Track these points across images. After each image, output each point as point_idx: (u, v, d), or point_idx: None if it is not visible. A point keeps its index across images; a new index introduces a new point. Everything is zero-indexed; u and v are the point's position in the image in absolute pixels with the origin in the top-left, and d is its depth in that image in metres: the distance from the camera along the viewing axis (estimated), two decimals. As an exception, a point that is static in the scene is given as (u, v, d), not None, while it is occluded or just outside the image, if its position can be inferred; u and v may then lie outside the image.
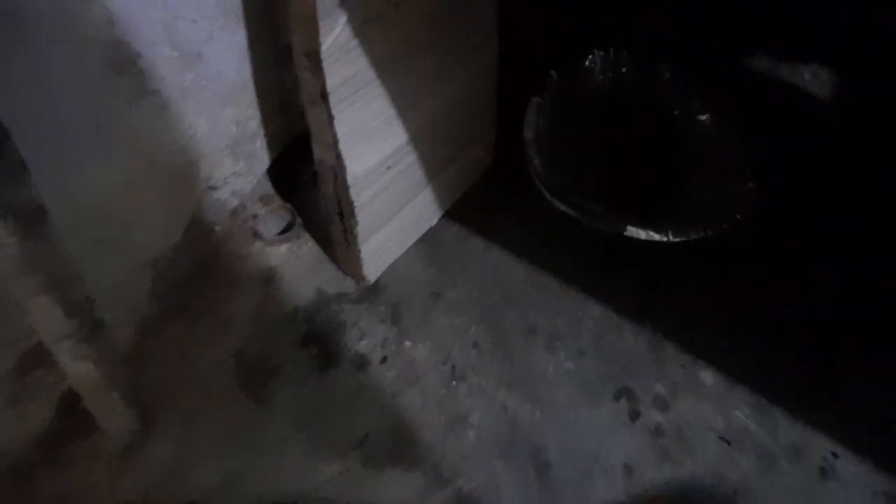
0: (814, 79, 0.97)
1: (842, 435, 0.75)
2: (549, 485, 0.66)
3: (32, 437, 0.63)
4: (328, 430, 0.71)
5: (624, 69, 0.95)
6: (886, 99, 0.93)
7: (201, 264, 0.77)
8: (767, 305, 0.80)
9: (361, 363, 0.75)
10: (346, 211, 0.70)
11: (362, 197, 0.69)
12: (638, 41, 0.94)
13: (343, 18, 0.55)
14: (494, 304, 0.80)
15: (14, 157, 0.40)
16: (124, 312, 0.67)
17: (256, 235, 0.80)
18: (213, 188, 0.73)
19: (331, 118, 0.61)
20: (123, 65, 0.53)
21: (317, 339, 0.76)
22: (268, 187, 0.82)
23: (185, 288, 0.75)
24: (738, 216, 0.83)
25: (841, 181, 0.90)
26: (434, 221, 0.84)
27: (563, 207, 0.82)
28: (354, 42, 0.58)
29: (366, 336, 0.76)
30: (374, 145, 0.67)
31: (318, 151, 0.66)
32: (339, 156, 0.64)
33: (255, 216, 0.80)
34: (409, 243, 0.82)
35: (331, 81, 0.58)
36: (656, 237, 0.81)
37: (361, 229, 0.72)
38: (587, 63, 0.93)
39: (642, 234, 0.82)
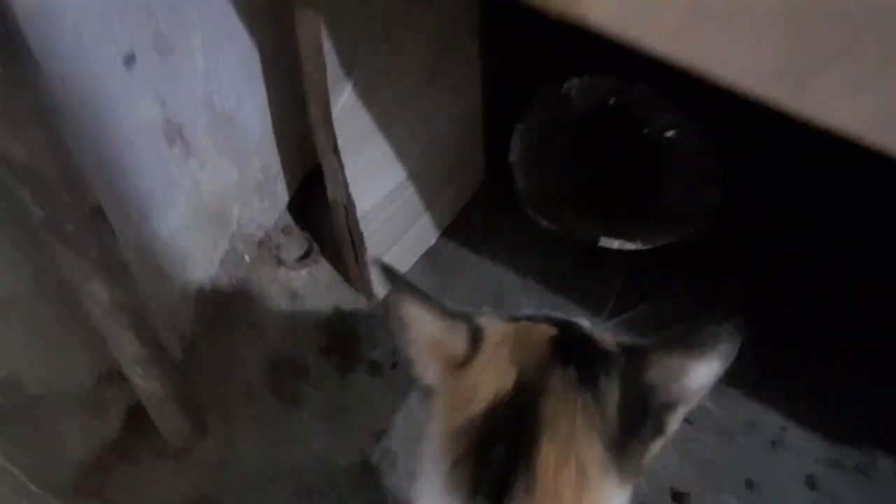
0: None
1: (790, 411, 0.87)
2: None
3: (107, 441, 0.75)
4: (349, 426, 0.83)
5: (599, 92, 1.06)
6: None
7: (235, 288, 0.89)
8: (725, 301, 0.92)
9: (375, 368, 0.87)
10: (356, 240, 0.82)
11: (370, 227, 0.81)
12: (613, 65, 1.04)
13: (349, 87, 0.68)
14: (491, 306, 0.92)
15: (107, 227, 0.52)
16: (173, 332, 0.80)
17: (280, 262, 0.92)
18: (244, 224, 0.86)
19: (342, 166, 0.73)
20: (174, 136, 0.66)
21: (336, 348, 0.88)
22: (287, 219, 0.94)
23: (222, 308, 0.88)
24: (702, 222, 0.96)
25: (800, 189, 1.01)
26: (433, 241, 0.96)
27: (540, 220, 0.94)
28: (358, 104, 0.70)
29: (378, 345, 0.89)
30: (379, 184, 0.79)
31: (332, 192, 0.78)
32: (349, 196, 0.76)
33: (278, 245, 0.92)
34: (412, 262, 0.94)
35: (340, 138, 0.70)
36: (627, 245, 0.94)
37: (370, 253, 0.85)
38: (564, 89, 1.05)
39: (615, 244, 0.93)
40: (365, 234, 0.81)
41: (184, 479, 0.77)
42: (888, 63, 0.38)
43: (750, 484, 0.81)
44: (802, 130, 0.41)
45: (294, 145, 0.86)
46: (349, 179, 0.74)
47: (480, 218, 1.00)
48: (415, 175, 0.84)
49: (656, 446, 0.41)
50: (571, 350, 0.40)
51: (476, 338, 0.41)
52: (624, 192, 1.02)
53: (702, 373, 0.39)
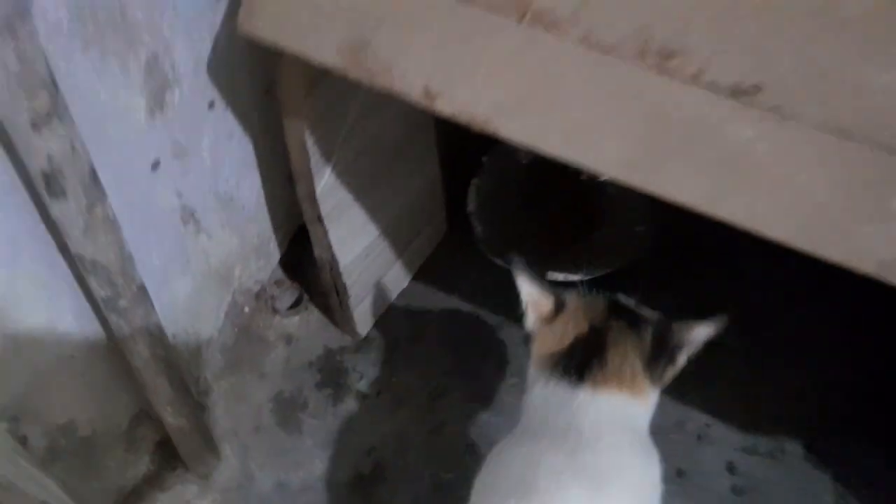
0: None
1: (712, 411, 1.03)
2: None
3: (140, 472, 0.90)
4: (344, 447, 0.98)
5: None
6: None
7: (239, 336, 1.05)
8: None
9: (363, 397, 1.02)
10: (340, 289, 0.98)
11: (351, 278, 0.97)
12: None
13: (328, 171, 0.84)
14: (458, 339, 1.08)
15: (149, 300, 0.67)
16: (191, 377, 0.95)
17: (275, 310, 1.08)
18: (243, 281, 1.01)
19: (325, 231, 0.89)
20: (188, 218, 0.82)
21: (328, 382, 1.03)
22: (280, 274, 1.10)
23: (229, 354, 1.03)
24: (633, 254, 1.13)
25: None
26: (406, 284, 1.12)
27: (500, 262, 1.11)
28: (337, 183, 0.86)
29: (364, 376, 1.04)
30: (356, 243, 0.96)
31: (318, 252, 0.94)
32: (333, 255, 0.92)
33: (272, 296, 1.08)
34: (388, 303, 1.10)
35: (323, 210, 0.86)
36: (571, 277, 1.10)
37: (352, 300, 1.00)
38: (511, 148, 1.22)
39: (560, 277, 1.10)
40: (347, 284, 0.97)
41: (207, 501, 0.91)
42: (708, 160, 0.56)
43: (680, 472, 0.97)
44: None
45: (283, 213, 1.03)
46: (332, 242, 0.90)
47: (445, 262, 1.16)
48: (387, 233, 1.00)
49: (672, 371, 0.68)
50: (621, 311, 0.67)
51: (560, 303, 0.66)
52: (567, 232, 1.19)
53: (700, 331, 0.66)
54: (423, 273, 1.15)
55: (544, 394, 0.64)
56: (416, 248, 1.11)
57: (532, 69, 0.59)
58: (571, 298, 0.68)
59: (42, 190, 0.52)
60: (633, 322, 0.66)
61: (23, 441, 0.70)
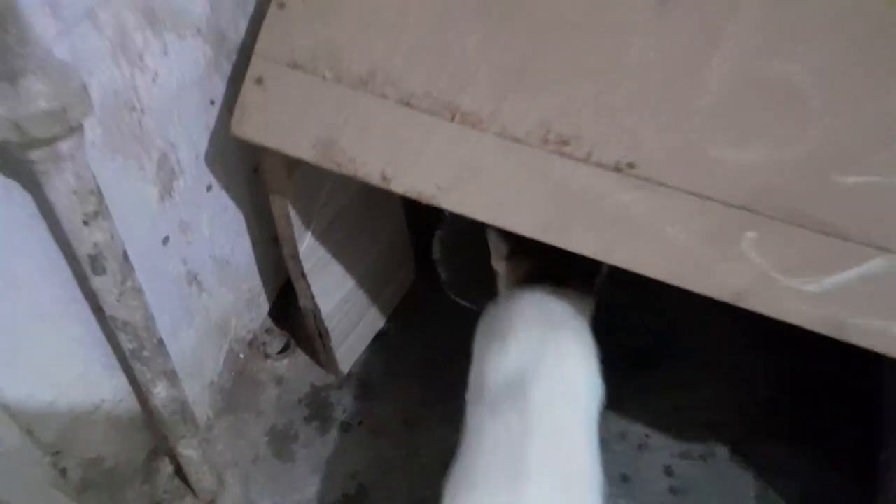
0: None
1: (650, 422, 1.18)
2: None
3: (155, 500, 1.04)
4: (332, 472, 1.12)
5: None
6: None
7: (235, 379, 1.19)
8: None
9: (347, 427, 1.17)
10: (323, 333, 1.13)
11: (333, 323, 1.13)
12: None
13: (308, 236, 1.00)
14: (429, 372, 1.23)
15: (166, 350, 0.83)
16: (197, 416, 1.09)
17: (266, 356, 1.23)
18: (238, 331, 1.17)
19: (308, 286, 1.05)
20: (191, 280, 0.97)
21: (316, 415, 1.18)
22: (269, 323, 1.25)
23: (227, 395, 1.17)
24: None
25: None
26: (381, 325, 1.28)
27: (462, 301, 1.27)
28: (316, 244, 1.03)
29: (347, 409, 1.19)
30: (336, 293, 1.12)
31: (303, 302, 1.10)
32: (315, 304, 1.08)
33: (264, 343, 1.23)
34: (366, 343, 1.25)
35: (306, 267, 1.02)
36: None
37: (334, 342, 1.15)
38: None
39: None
40: (329, 329, 1.12)
41: (214, 525, 1.05)
42: (600, 221, 0.72)
43: (624, 477, 1.12)
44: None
45: (270, 271, 1.19)
46: (315, 294, 1.06)
47: (415, 304, 1.32)
48: (362, 283, 1.17)
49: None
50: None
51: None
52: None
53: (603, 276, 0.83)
54: (396, 315, 1.30)
55: None
56: (388, 295, 1.27)
57: (462, 156, 0.76)
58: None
59: (87, 269, 0.68)
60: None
61: (63, 473, 0.84)
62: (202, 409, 1.09)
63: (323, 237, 1.03)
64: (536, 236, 0.76)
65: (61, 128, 0.56)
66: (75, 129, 0.58)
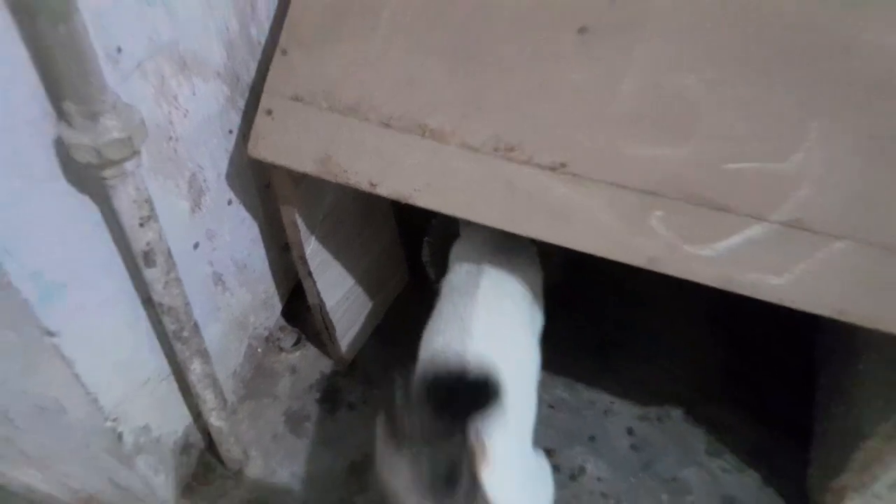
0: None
1: (615, 391, 1.36)
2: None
3: (190, 471, 1.22)
4: (342, 445, 1.30)
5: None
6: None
7: (255, 370, 1.38)
8: (568, 330, 1.43)
9: (352, 406, 1.35)
10: (329, 327, 1.33)
11: (337, 317, 1.32)
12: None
13: (313, 238, 1.20)
14: (422, 360, 1.42)
15: (199, 331, 1.02)
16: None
17: (281, 349, 1.42)
18: (256, 328, 1.36)
19: (314, 283, 1.24)
20: (217, 281, 1.17)
21: (326, 398, 1.37)
22: (282, 321, 1.45)
23: (248, 384, 1.36)
24: (550, 279, 1.48)
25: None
26: (380, 320, 1.47)
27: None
28: (319, 247, 1.22)
29: (352, 392, 1.37)
30: (339, 290, 1.31)
31: (310, 298, 1.29)
32: (321, 299, 1.27)
33: (278, 339, 1.42)
34: (367, 336, 1.44)
35: (312, 267, 1.22)
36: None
37: (339, 334, 1.35)
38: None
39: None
40: (334, 322, 1.32)
41: (241, 490, 1.23)
42: (545, 211, 0.92)
43: (592, 438, 1.30)
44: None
45: (281, 275, 1.38)
46: (320, 290, 1.25)
47: (409, 301, 1.51)
48: (361, 282, 1.36)
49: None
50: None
51: None
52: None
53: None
54: (392, 311, 1.50)
55: None
56: (385, 293, 1.46)
57: (432, 164, 0.96)
58: None
59: (141, 262, 0.88)
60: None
61: (119, 437, 1.03)
62: (227, 394, 1.28)
63: (325, 241, 1.23)
64: (500, 226, 0.95)
65: (128, 151, 0.76)
66: (136, 153, 0.78)
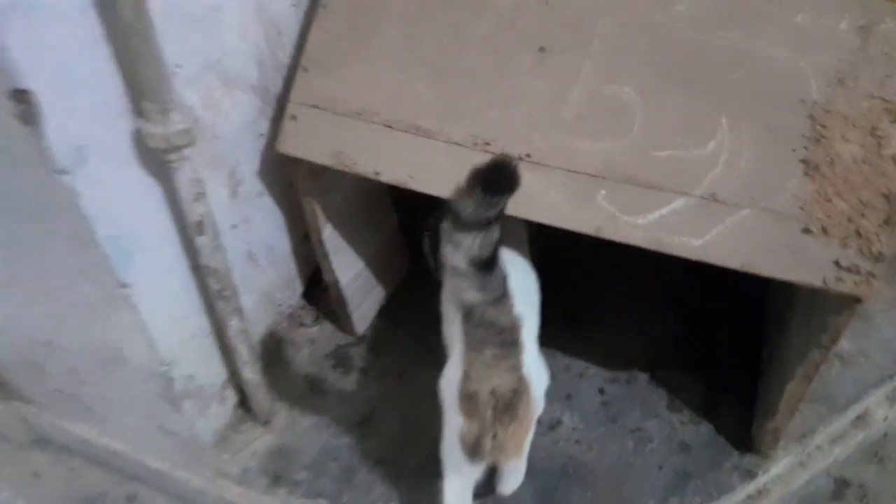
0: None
1: (588, 358, 1.56)
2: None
3: (226, 420, 1.45)
4: (354, 401, 1.52)
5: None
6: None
7: (279, 342, 1.62)
8: (546, 309, 1.65)
9: (364, 371, 1.57)
10: (342, 302, 1.56)
11: (349, 293, 1.56)
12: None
13: (329, 225, 1.44)
14: (419, 332, 1.63)
15: (236, 290, 1.26)
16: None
17: (301, 324, 1.65)
18: (280, 305, 1.60)
19: (330, 263, 1.48)
20: (251, 258, 1.42)
21: (339, 364, 1.59)
22: (303, 301, 1.69)
23: (274, 353, 1.60)
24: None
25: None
26: (386, 300, 1.70)
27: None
28: (334, 234, 1.46)
29: (362, 359, 1.60)
30: (350, 270, 1.55)
31: (327, 276, 1.53)
32: (336, 278, 1.51)
33: (299, 315, 1.66)
34: (374, 313, 1.68)
35: (328, 248, 1.46)
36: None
37: (351, 309, 1.58)
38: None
39: (486, 288, 1.68)
40: (346, 298, 1.55)
41: (271, 436, 1.46)
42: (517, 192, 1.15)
43: (568, 396, 1.51)
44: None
45: (303, 260, 1.63)
46: (334, 269, 1.49)
47: (411, 284, 1.75)
48: (369, 264, 1.60)
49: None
50: None
51: None
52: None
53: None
54: (397, 292, 1.73)
55: None
56: (390, 276, 1.70)
57: (423, 156, 1.20)
58: None
59: (193, 232, 1.12)
60: None
61: (170, 382, 1.27)
62: (257, 359, 1.52)
63: (338, 227, 1.47)
64: (472, 203, 1.18)
65: (188, 140, 1.01)
66: (193, 142, 1.03)
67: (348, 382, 1.56)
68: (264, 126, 1.37)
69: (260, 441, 1.45)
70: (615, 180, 1.13)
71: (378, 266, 1.64)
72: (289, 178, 1.48)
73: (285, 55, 1.36)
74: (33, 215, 1.03)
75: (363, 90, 1.24)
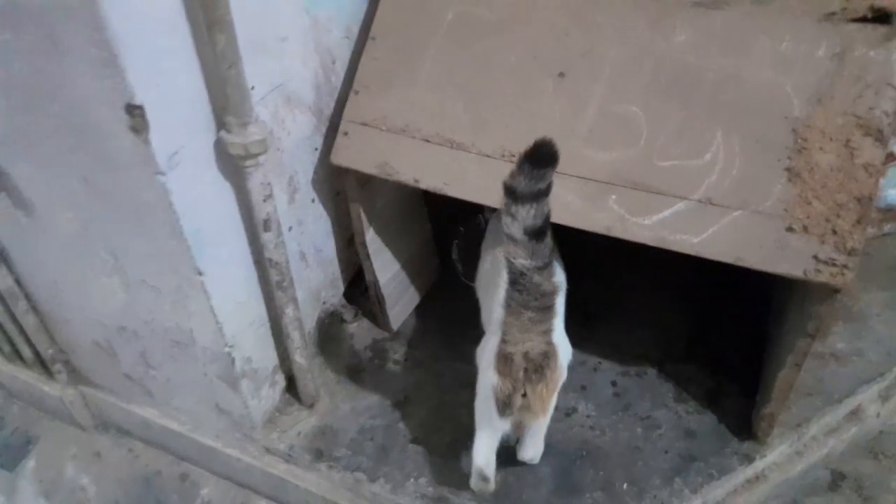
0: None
1: (601, 353, 1.72)
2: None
3: (275, 402, 1.63)
4: (391, 388, 1.68)
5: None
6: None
7: (323, 336, 1.80)
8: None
9: (398, 362, 1.74)
10: (380, 300, 1.74)
11: (387, 292, 1.73)
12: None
13: (371, 229, 1.63)
14: (449, 329, 1.80)
15: (293, 286, 1.45)
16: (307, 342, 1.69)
17: (343, 320, 1.83)
18: (325, 302, 1.79)
19: (371, 263, 1.66)
20: (302, 257, 1.60)
21: (377, 356, 1.76)
22: (343, 301, 1.87)
23: (318, 345, 1.78)
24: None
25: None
26: (419, 300, 1.88)
27: (473, 285, 1.86)
28: (375, 238, 1.65)
29: (397, 352, 1.77)
30: (389, 271, 1.72)
31: (368, 276, 1.71)
32: (376, 277, 1.69)
33: (341, 313, 1.84)
34: (409, 311, 1.85)
35: (371, 250, 1.64)
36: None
37: (388, 306, 1.76)
38: (479, 218, 2.01)
39: (510, 291, 1.85)
40: (384, 296, 1.73)
41: (315, 418, 1.63)
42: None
43: (583, 387, 1.66)
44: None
45: (345, 262, 1.81)
46: (375, 269, 1.67)
47: (441, 288, 1.92)
48: (405, 266, 1.78)
49: None
50: None
51: None
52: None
53: None
54: (429, 294, 1.90)
55: None
56: (423, 278, 1.88)
57: (457, 166, 1.39)
58: None
59: (260, 228, 1.31)
60: None
61: (232, 361, 1.45)
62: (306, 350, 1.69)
63: (379, 232, 1.66)
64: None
65: (262, 148, 1.20)
66: (266, 150, 1.23)
67: (384, 372, 1.73)
68: (318, 141, 1.56)
69: (305, 422, 1.62)
70: (624, 186, 1.30)
71: (413, 269, 1.81)
72: (337, 188, 1.67)
73: (338, 80, 1.56)
74: (132, 210, 1.22)
75: (406, 110, 1.43)
